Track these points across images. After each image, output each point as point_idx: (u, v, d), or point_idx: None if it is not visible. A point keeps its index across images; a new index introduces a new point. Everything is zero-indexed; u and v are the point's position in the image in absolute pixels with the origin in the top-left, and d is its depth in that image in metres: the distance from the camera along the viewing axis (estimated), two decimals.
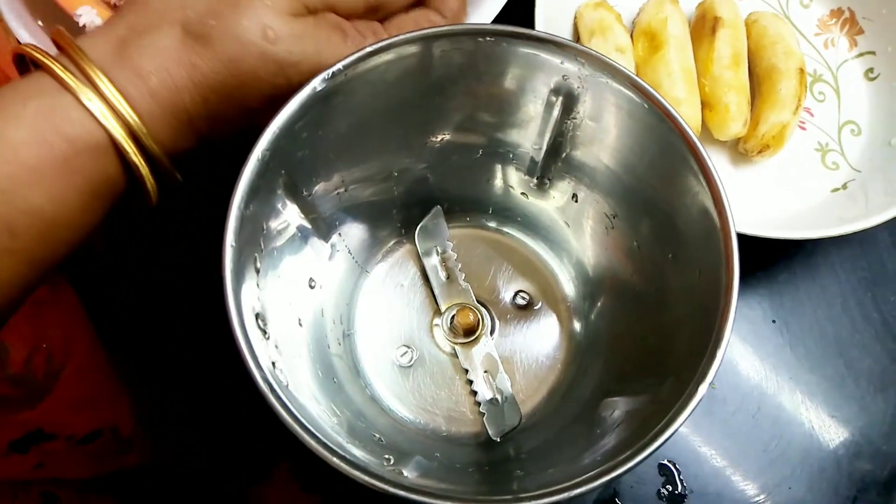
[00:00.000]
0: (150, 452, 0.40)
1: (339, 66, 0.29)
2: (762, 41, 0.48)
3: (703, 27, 0.48)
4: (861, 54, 0.50)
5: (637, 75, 0.46)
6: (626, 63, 0.46)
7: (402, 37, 0.29)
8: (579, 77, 0.31)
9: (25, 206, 0.25)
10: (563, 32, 0.49)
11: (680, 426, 0.25)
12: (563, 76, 0.31)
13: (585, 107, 0.32)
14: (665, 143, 0.30)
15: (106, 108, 0.26)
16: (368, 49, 0.29)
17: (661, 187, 0.32)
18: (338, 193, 0.36)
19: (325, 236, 0.37)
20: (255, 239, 0.29)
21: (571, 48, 0.30)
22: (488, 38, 0.30)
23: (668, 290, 0.31)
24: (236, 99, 0.29)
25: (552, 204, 0.38)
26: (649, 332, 0.32)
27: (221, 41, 0.28)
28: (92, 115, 0.26)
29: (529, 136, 0.35)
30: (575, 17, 0.49)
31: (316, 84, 0.29)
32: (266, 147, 0.28)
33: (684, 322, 0.29)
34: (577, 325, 0.38)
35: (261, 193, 0.29)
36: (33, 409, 0.38)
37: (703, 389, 0.25)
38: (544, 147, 0.35)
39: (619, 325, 0.34)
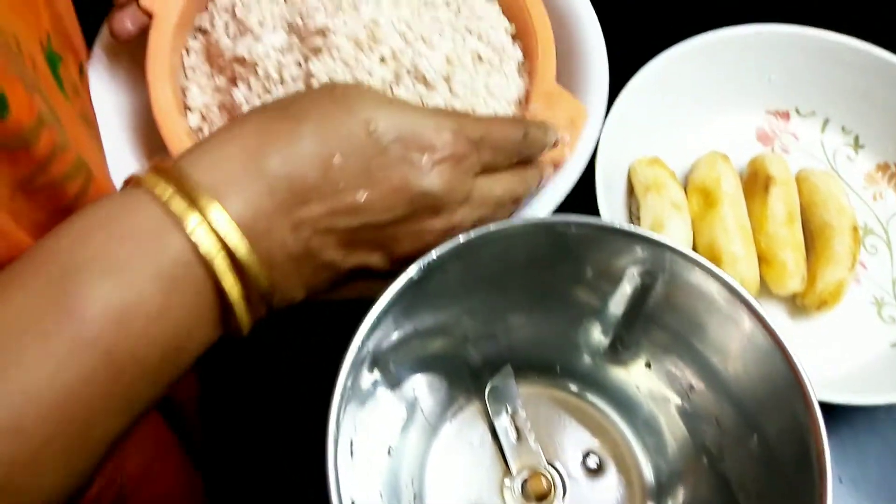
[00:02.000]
0: None
1: (434, 255, 0.31)
2: (814, 198, 0.49)
3: (756, 184, 0.50)
4: None
5: (694, 230, 0.49)
6: (682, 219, 0.48)
7: (492, 228, 0.31)
8: (655, 261, 0.32)
9: (145, 343, 0.26)
10: (619, 187, 0.51)
11: None
12: (642, 260, 0.33)
13: (661, 286, 0.33)
14: (742, 329, 0.31)
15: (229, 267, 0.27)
16: (461, 240, 0.31)
17: (741, 371, 0.32)
18: (415, 353, 0.37)
19: (402, 398, 0.38)
20: (347, 421, 0.30)
21: (649, 238, 0.32)
22: (573, 230, 0.32)
23: (752, 477, 0.31)
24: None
25: (625, 369, 0.38)
26: None
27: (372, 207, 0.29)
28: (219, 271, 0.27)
29: (605, 308, 0.36)
30: (629, 172, 0.51)
31: (412, 273, 0.30)
32: (364, 336, 0.29)
33: None
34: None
35: (354, 374, 0.30)
36: None
37: None
38: (619, 318, 0.36)
39: None
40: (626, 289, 0.35)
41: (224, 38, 0.41)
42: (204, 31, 0.44)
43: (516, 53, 0.45)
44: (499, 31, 0.44)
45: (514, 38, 0.46)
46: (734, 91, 0.54)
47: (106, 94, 0.43)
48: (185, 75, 0.43)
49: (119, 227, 0.26)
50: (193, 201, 0.26)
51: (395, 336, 0.33)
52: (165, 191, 0.26)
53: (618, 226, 0.32)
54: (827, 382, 0.45)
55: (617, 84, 0.48)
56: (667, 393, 0.37)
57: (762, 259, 0.48)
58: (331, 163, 0.28)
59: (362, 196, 0.29)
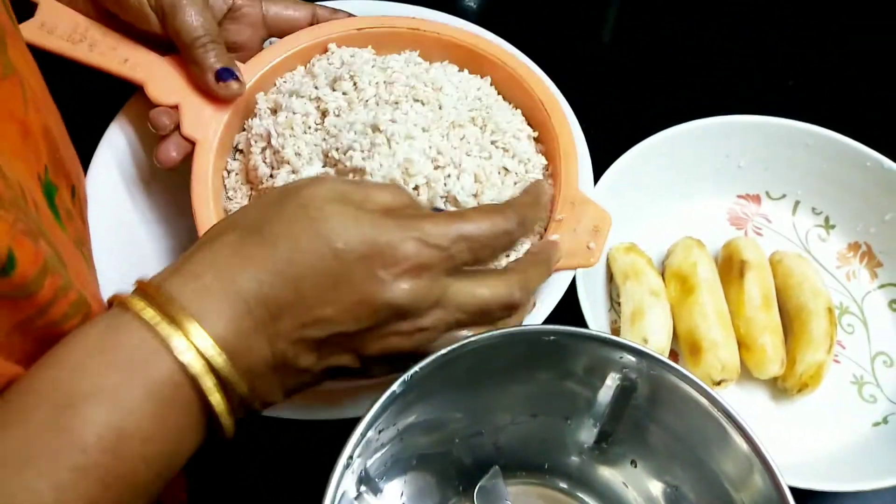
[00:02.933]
0: None
1: (416, 368, 0.31)
2: (789, 281, 0.51)
3: (731, 269, 0.51)
4: (883, 286, 0.53)
5: (672, 316, 0.49)
6: (662, 307, 0.49)
7: (475, 338, 0.32)
8: (637, 367, 0.33)
9: (141, 461, 0.27)
10: (599, 273, 0.52)
11: None
12: (621, 365, 0.33)
13: (643, 390, 0.34)
14: (722, 430, 0.32)
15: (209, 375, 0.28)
16: (446, 352, 0.31)
17: (721, 466, 0.33)
18: (403, 463, 0.37)
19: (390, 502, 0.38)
20: None
21: (629, 347, 0.32)
22: (552, 338, 0.33)
23: None
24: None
25: (611, 467, 0.39)
26: None
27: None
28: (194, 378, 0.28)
29: (589, 409, 0.37)
30: (608, 259, 0.53)
31: (395, 388, 0.31)
32: (349, 453, 0.30)
33: None
34: None
35: (341, 490, 0.31)
36: None
37: None
38: (603, 417, 0.37)
39: None
40: (608, 390, 0.35)
41: (262, 165, 0.43)
42: (241, 151, 0.45)
43: (540, 160, 0.46)
44: (522, 141, 0.45)
45: (537, 141, 0.47)
46: (705, 178, 0.55)
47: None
48: (227, 196, 0.44)
49: (112, 356, 0.27)
50: (179, 325, 0.28)
51: (380, 448, 0.34)
52: (153, 316, 0.28)
53: (596, 334, 0.33)
54: (812, 467, 0.46)
55: (593, 174, 0.49)
56: (653, 492, 0.37)
57: (742, 344, 0.48)
58: (301, 284, 0.30)
59: (329, 310, 0.30)
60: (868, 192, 0.53)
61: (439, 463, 0.40)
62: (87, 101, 0.50)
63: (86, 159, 0.45)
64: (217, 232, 0.32)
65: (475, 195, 0.42)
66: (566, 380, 0.36)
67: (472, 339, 0.32)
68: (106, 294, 0.34)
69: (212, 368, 0.28)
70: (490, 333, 0.33)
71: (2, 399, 0.27)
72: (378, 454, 0.35)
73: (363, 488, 0.35)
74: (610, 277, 0.53)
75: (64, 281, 0.29)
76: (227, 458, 0.43)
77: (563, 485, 0.41)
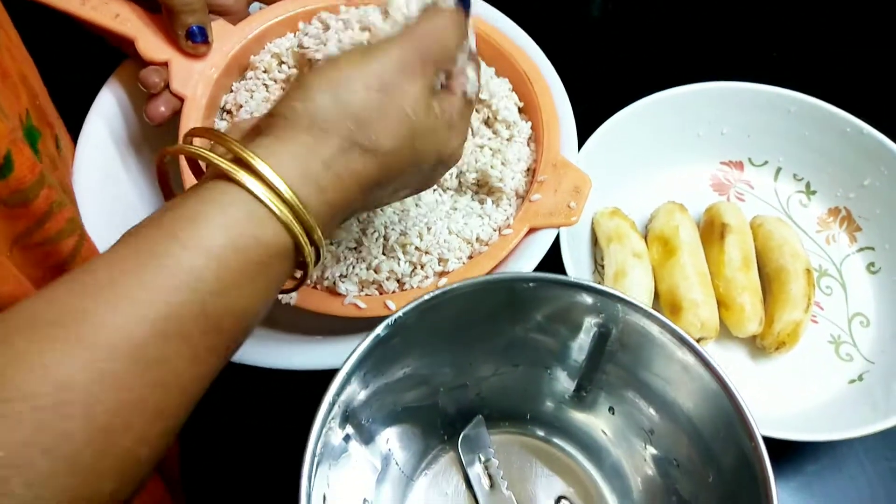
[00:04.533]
0: None
1: (400, 313, 0.32)
2: (769, 243, 0.52)
3: (712, 232, 0.52)
4: (861, 249, 0.55)
5: (655, 278, 0.51)
6: (644, 267, 0.50)
7: (457, 285, 0.33)
8: (613, 313, 0.34)
9: (232, 307, 0.27)
10: (584, 237, 0.54)
11: None
12: (599, 312, 0.35)
13: (618, 336, 0.35)
14: (693, 371, 0.33)
15: (293, 218, 0.28)
16: (428, 297, 0.33)
17: (694, 411, 0.34)
18: (388, 408, 0.38)
19: (375, 451, 0.39)
20: (321, 474, 0.31)
21: (605, 293, 0.34)
22: (531, 284, 0.34)
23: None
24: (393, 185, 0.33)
25: (590, 415, 0.40)
26: None
27: (384, 151, 0.31)
28: (285, 224, 0.28)
29: (568, 357, 0.38)
30: (592, 223, 0.54)
31: (379, 331, 0.32)
32: (335, 393, 0.31)
33: None
34: None
35: (326, 430, 0.32)
36: None
37: None
38: (581, 366, 0.38)
39: None
40: (585, 338, 0.37)
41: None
42: (229, 112, 0.46)
43: (526, 126, 0.48)
44: (511, 109, 0.47)
45: (522, 111, 0.49)
46: (689, 144, 0.56)
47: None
48: None
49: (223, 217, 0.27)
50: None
51: (366, 392, 0.35)
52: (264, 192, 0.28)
53: (574, 280, 0.34)
54: (788, 421, 0.47)
55: (578, 140, 0.50)
56: (630, 437, 0.39)
57: (721, 303, 0.50)
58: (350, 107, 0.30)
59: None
60: (848, 158, 0.54)
61: (425, 414, 0.41)
62: (79, 68, 0.51)
63: (78, 124, 0.46)
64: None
65: (476, 170, 0.44)
66: (546, 329, 0.37)
67: (454, 286, 0.33)
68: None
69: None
70: (471, 280, 0.34)
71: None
72: (364, 403, 0.36)
73: (350, 430, 0.36)
74: (594, 242, 0.54)
75: (58, 196, 0.30)
76: (219, 415, 0.44)
77: (545, 433, 0.42)
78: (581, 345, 0.37)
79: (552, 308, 0.35)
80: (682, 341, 0.32)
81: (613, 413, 0.39)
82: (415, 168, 0.33)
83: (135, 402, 0.24)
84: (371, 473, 0.39)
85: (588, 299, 0.34)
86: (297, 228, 0.28)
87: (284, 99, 0.31)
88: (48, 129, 0.39)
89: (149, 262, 0.25)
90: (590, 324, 0.35)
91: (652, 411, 0.36)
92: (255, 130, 0.30)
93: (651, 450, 0.38)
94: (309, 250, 0.29)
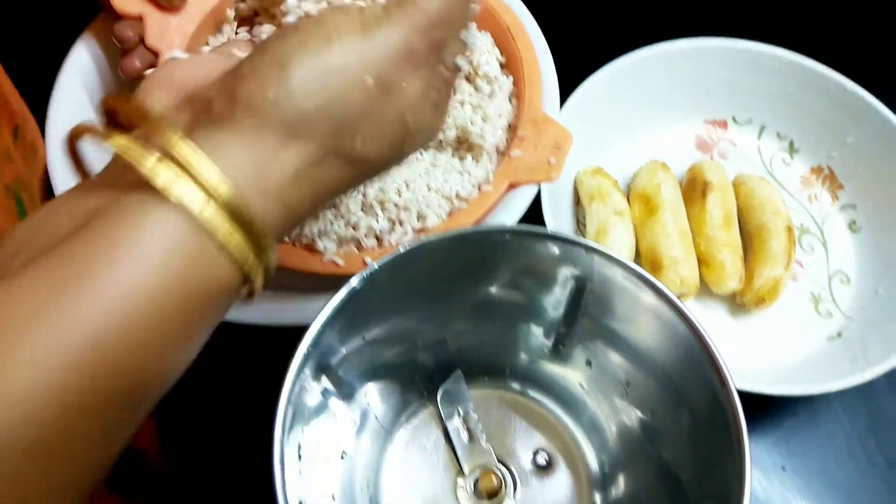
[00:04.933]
0: None
1: (376, 266, 0.32)
2: (751, 202, 0.52)
3: (694, 190, 0.52)
4: (843, 207, 0.55)
5: (636, 236, 0.51)
6: (625, 226, 0.50)
7: (432, 238, 0.33)
8: (588, 265, 0.34)
9: (159, 366, 0.22)
10: (566, 196, 0.53)
11: None
12: (575, 264, 0.35)
13: (592, 287, 0.35)
14: (668, 323, 0.33)
15: (250, 249, 0.23)
16: (403, 251, 0.32)
17: (668, 362, 0.34)
18: (366, 365, 0.39)
19: (354, 405, 0.39)
20: (296, 426, 0.32)
21: (581, 244, 0.34)
22: (507, 237, 0.34)
23: (685, 465, 0.33)
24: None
25: (568, 368, 0.40)
26: None
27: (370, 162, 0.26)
28: (238, 261, 0.23)
29: (545, 311, 0.38)
30: (575, 182, 0.53)
31: (354, 284, 0.32)
32: (310, 343, 0.31)
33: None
34: (597, 498, 0.39)
35: (301, 381, 0.32)
36: None
37: None
38: (559, 320, 0.38)
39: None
40: (562, 291, 0.37)
41: None
42: None
43: (507, 81, 0.48)
44: (493, 64, 0.47)
45: (503, 67, 0.49)
46: (673, 102, 0.56)
47: None
48: None
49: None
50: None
51: (342, 345, 0.35)
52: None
53: (550, 232, 0.34)
54: (767, 375, 0.48)
55: (561, 97, 0.50)
56: (607, 389, 0.39)
57: (702, 261, 0.50)
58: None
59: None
60: (831, 116, 0.54)
61: (404, 369, 0.41)
62: (52, 25, 0.50)
63: (51, 80, 0.46)
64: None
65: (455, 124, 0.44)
66: (522, 283, 0.37)
67: (431, 238, 0.33)
68: None
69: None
70: (447, 233, 0.34)
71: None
72: (341, 358, 0.36)
73: (327, 384, 0.36)
74: (577, 201, 0.54)
75: None
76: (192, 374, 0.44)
77: (523, 387, 0.42)
78: (558, 299, 0.37)
79: (528, 261, 0.36)
80: (653, 288, 0.32)
81: (590, 366, 0.39)
82: (395, 161, 0.28)
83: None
84: (350, 427, 0.39)
85: (562, 251, 0.34)
86: (253, 261, 0.23)
87: (252, 76, 0.24)
88: (6, 119, 0.37)
89: (51, 314, 0.20)
90: (565, 276, 0.35)
91: (627, 362, 0.37)
92: (202, 107, 0.24)
93: (627, 401, 0.38)
94: (259, 280, 0.24)
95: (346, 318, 0.34)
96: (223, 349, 0.45)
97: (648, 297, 0.33)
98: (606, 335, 0.37)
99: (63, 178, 0.42)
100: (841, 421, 0.49)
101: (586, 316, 0.37)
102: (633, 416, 0.38)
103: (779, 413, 0.49)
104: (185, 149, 0.22)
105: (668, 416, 0.36)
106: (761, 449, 0.48)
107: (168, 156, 0.22)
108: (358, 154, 0.25)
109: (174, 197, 0.21)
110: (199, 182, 0.21)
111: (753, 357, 0.49)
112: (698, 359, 0.32)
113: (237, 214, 0.22)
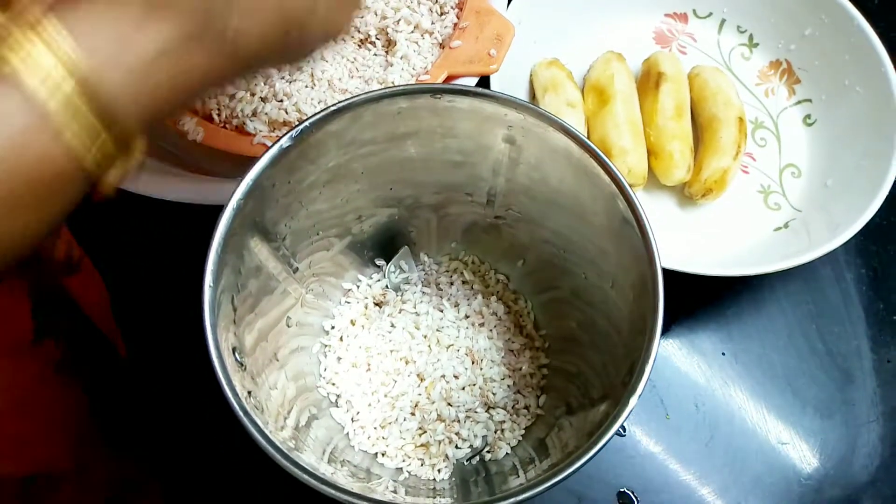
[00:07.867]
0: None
1: (306, 123, 0.33)
2: (703, 93, 0.52)
3: (649, 82, 0.52)
4: (799, 102, 0.55)
5: (588, 127, 0.51)
6: (577, 117, 0.50)
7: (363, 96, 0.33)
8: (522, 126, 0.35)
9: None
10: (521, 89, 0.53)
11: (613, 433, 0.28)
12: (509, 126, 0.35)
13: (528, 151, 0.36)
14: (595, 179, 0.34)
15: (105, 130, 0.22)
16: (333, 108, 0.33)
17: (599, 223, 0.35)
18: (309, 236, 0.39)
19: (300, 278, 0.40)
20: (232, 281, 0.32)
21: (514, 102, 0.34)
22: (439, 95, 0.34)
23: (612, 318, 0.34)
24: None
25: (508, 232, 0.41)
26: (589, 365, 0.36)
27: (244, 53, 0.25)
28: (84, 143, 0.21)
29: (481, 179, 0.39)
30: (531, 75, 0.53)
31: (283, 141, 0.32)
32: (241, 197, 0.31)
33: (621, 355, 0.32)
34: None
35: (237, 239, 0.32)
36: None
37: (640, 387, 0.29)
38: (497, 190, 0.39)
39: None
40: (499, 155, 0.37)
41: None
42: None
43: None
44: None
45: None
46: None
47: None
48: None
49: None
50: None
51: (278, 208, 0.35)
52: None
53: (485, 91, 0.34)
54: (711, 261, 0.48)
55: None
56: (545, 255, 0.40)
57: (651, 152, 0.50)
58: None
59: None
60: (790, 7, 0.54)
61: (349, 242, 0.41)
62: None
63: None
64: None
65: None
66: (461, 145, 0.37)
67: (357, 96, 0.33)
68: None
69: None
70: (375, 91, 0.34)
71: None
72: (279, 222, 0.36)
73: (268, 250, 0.36)
74: (532, 95, 0.54)
75: None
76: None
77: (471, 257, 0.44)
78: (496, 163, 0.37)
79: (466, 122, 0.35)
80: (582, 146, 0.33)
81: (530, 234, 0.40)
82: (282, 57, 0.27)
83: None
84: (295, 298, 0.39)
85: (500, 110, 0.34)
86: (105, 142, 0.21)
87: None
88: None
89: None
90: (497, 138, 0.36)
91: (562, 227, 0.38)
92: None
93: (563, 265, 0.39)
94: (119, 166, 0.22)
95: (280, 178, 0.33)
96: (177, 228, 0.45)
97: (573, 151, 0.33)
98: (540, 199, 0.38)
99: None
100: (783, 309, 0.50)
101: (519, 180, 0.37)
102: (567, 276, 0.39)
103: (721, 302, 0.50)
104: (44, 22, 0.20)
105: (596, 280, 0.37)
106: (703, 335, 0.49)
107: (31, 30, 0.20)
108: (231, 41, 0.23)
109: (14, 69, 0.20)
110: (52, 52, 0.20)
111: (700, 246, 0.50)
112: (624, 216, 0.33)
113: (87, 90, 0.21)
